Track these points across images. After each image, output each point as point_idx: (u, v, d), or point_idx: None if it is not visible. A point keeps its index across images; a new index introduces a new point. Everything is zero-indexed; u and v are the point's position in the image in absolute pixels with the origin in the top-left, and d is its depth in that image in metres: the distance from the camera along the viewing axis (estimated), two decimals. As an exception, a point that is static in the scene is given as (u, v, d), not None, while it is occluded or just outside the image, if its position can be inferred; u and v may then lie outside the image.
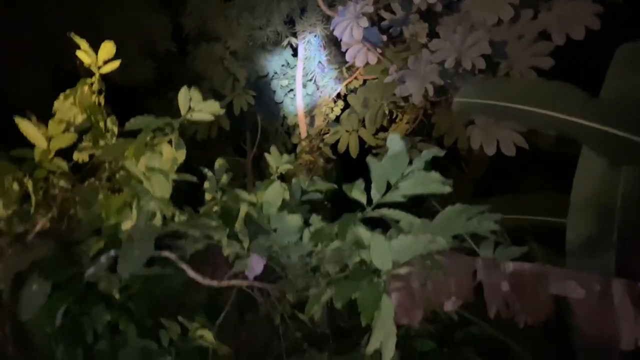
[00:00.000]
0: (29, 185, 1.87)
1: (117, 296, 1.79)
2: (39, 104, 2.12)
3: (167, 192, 1.62)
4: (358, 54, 4.35)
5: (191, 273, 1.71)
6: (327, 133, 5.28)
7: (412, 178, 1.42)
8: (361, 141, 4.76)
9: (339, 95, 5.59)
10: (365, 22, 3.98)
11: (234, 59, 5.67)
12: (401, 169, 1.39)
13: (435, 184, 1.43)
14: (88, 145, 2.06)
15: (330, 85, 5.78)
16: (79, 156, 2.09)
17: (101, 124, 2.12)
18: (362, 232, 1.48)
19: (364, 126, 4.59)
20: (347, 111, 4.86)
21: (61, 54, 3.88)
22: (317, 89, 5.84)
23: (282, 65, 6.04)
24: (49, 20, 4.23)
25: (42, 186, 2.02)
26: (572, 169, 2.54)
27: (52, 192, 2.08)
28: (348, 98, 4.74)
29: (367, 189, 1.50)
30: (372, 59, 4.37)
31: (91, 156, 2.20)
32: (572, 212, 2.53)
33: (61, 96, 2.08)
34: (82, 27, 2.30)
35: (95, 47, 2.14)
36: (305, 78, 5.85)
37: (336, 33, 4.03)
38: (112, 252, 1.81)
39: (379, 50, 4.39)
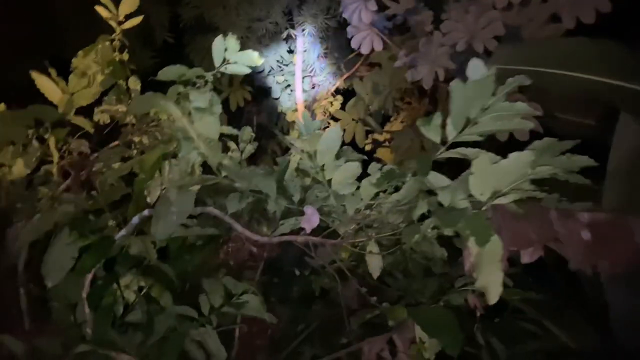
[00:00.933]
0: (51, 141, 1.69)
1: (151, 260, 1.61)
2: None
3: (216, 133, 1.45)
4: (364, 41, 4.25)
5: (239, 228, 1.54)
6: (328, 127, 5.15)
7: (493, 111, 1.29)
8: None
9: (337, 90, 5.48)
10: (374, 5, 3.89)
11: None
12: (485, 99, 1.26)
13: (518, 119, 1.31)
14: (112, 103, 1.89)
15: (329, 79, 5.67)
16: (100, 117, 1.93)
17: (123, 83, 1.96)
18: (434, 176, 1.36)
19: (369, 115, 4.48)
20: (353, 99, 4.73)
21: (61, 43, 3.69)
22: (316, 84, 5.73)
23: (278, 61, 5.92)
24: (47, 8, 4.05)
25: (61, 148, 1.85)
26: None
27: (71, 158, 1.92)
28: (354, 83, 4.61)
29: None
30: (378, 45, 4.27)
31: (111, 123, 2.04)
32: (609, 181, 2.43)
33: (80, 53, 1.92)
34: (79, 16, 2.15)
35: (92, 40, 1.97)
36: (304, 72, 5.73)
37: (345, 15, 3.93)
38: (146, 212, 1.64)
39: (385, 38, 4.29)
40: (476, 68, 1.26)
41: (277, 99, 5.97)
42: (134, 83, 1.97)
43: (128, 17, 1.97)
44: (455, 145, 1.36)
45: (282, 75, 5.96)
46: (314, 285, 2.10)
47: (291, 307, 2.33)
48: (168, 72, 1.67)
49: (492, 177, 1.11)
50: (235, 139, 2.01)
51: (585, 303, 2.48)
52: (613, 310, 2.27)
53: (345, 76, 5.40)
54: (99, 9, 1.95)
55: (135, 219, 1.63)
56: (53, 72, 1.78)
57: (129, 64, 1.97)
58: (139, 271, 1.66)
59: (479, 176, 1.12)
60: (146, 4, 5.17)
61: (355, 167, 1.51)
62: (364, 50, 4.38)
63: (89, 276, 1.59)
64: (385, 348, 1.94)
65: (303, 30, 5.34)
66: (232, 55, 1.76)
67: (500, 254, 1.10)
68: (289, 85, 5.91)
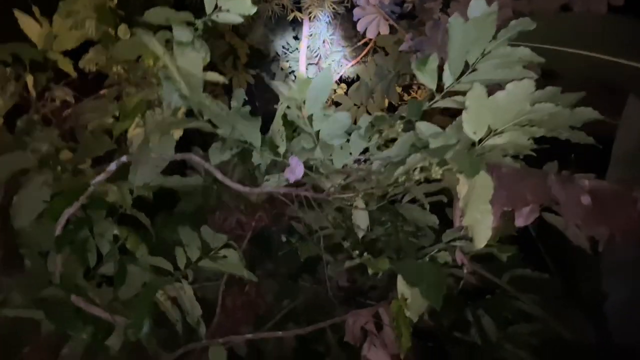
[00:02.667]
0: (29, 80, 1.62)
1: (127, 208, 1.53)
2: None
3: (198, 69, 1.37)
4: (370, 24, 4.18)
5: (220, 176, 1.46)
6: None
7: (494, 57, 1.21)
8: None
9: (341, 78, 5.40)
10: (381, -14, 3.82)
11: (234, 34, 5.45)
12: (485, 41, 1.18)
13: (520, 67, 1.22)
14: (99, 51, 1.81)
15: (333, 67, 5.59)
16: (86, 64, 1.85)
17: (111, 31, 1.88)
18: (425, 125, 1.27)
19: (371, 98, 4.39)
20: (355, 84, 4.65)
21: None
22: (320, 71, 5.64)
23: (284, 47, 5.85)
24: None
25: (42, 93, 1.77)
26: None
27: (53, 106, 1.84)
28: (357, 69, 4.53)
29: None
30: (384, 29, 4.19)
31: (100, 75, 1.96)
32: (614, 165, 2.34)
33: (68, -3, 1.84)
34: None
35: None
36: (309, 59, 5.65)
37: (352, -5, 3.85)
38: (124, 158, 1.56)
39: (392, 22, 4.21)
40: (477, 6, 1.17)
41: (279, 85, 5.87)
42: (124, 32, 1.89)
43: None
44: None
45: (287, 61, 5.89)
46: (300, 253, 2.02)
47: (276, 277, 2.25)
48: (155, 14, 1.58)
49: (487, 112, 1.03)
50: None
51: (580, 293, 2.39)
52: (610, 301, 2.18)
53: (350, 65, 5.32)
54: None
55: (112, 165, 1.55)
56: (36, 10, 1.70)
57: (119, 12, 1.89)
58: (114, 220, 1.58)
59: (473, 111, 1.03)
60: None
61: (345, 118, 1.43)
62: (370, 34, 4.31)
63: (62, 222, 1.51)
64: (370, 321, 1.86)
65: (310, 13, 5.26)
66: (224, 1, 1.68)
67: (490, 193, 1.02)
68: (292, 72, 5.83)
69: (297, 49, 5.65)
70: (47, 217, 1.47)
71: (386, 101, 4.41)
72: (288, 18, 5.23)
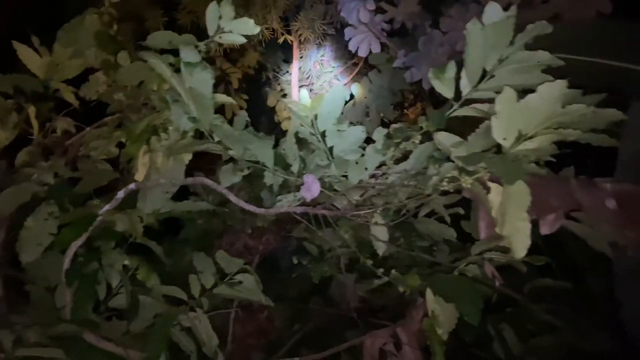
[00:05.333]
0: (30, 111, 1.57)
1: (137, 236, 1.48)
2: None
3: (208, 89, 1.33)
4: (362, 43, 4.19)
5: (233, 198, 1.41)
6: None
7: (512, 62, 1.18)
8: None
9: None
10: (372, 5, 3.84)
11: (225, 60, 5.45)
12: (504, 46, 1.16)
13: (539, 72, 1.20)
14: (99, 79, 1.77)
15: (325, 88, 5.59)
16: (87, 92, 1.81)
17: (111, 58, 1.84)
18: (445, 136, 1.24)
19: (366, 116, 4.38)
20: (350, 102, 4.64)
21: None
22: (311, 91, 5.64)
23: (275, 70, 5.86)
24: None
25: (43, 124, 1.73)
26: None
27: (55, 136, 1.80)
28: (351, 87, 4.53)
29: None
30: (376, 47, 4.21)
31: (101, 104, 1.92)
32: (620, 172, 2.32)
33: (66, 25, 1.81)
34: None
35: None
36: (301, 81, 5.65)
37: (343, 14, 3.87)
38: (133, 186, 1.51)
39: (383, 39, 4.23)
40: (493, 11, 1.16)
41: (273, 107, 5.88)
42: (124, 58, 1.85)
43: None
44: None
45: (279, 84, 5.89)
46: (312, 274, 1.96)
47: (286, 300, 2.20)
48: (157, 38, 1.55)
49: (518, 116, 1.00)
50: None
51: (594, 302, 2.35)
52: (624, 308, 2.14)
53: (343, 84, 5.33)
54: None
55: (120, 193, 1.50)
56: (36, 40, 1.67)
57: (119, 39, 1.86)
58: (124, 250, 1.52)
59: (503, 115, 1.00)
60: (142, 9, 5.11)
61: (359, 132, 1.40)
62: (362, 53, 4.32)
63: (70, 254, 1.46)
64: (389, 342, 1.80)
65: (300, 36, 5.28)
66: (226, 23, 1.66)
67: (527, 200, 0.98)
68: (285, 95, 5.83)
69: (288, 71, 5.65)
70: (54, 251, 1.42)
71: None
72: (278, 41, 5.24)
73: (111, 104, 1.76)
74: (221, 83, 5.54)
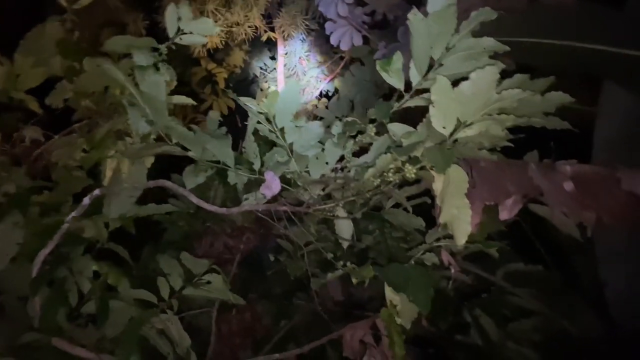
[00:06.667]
0: (-6, 122, 1.58)
1: (103, 242, 1.49)
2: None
3: (162, 92, 1.33)
4: (344, 36, 4.18)
5: (194, 199, 1.42)
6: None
7: (459, 50, 1.18)
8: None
9: (321, 93, 5.40)
10: (350, -2, 3.83)
11: (210, 60, 5.44)
12: (448, 35, 1.16)
13: (487, 57, 1.20)
14: (65, 87, 1.78)
15: (312, 83, 5.59)
16: (53, 100, 1.81)
17: (77, 65, 1.85)
18: (396, 126, 1.25)
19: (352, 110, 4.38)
20: (335, 96, 4.64)
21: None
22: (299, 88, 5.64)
23: (262, 68, 5.85)
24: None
25: (10, 135, 1.74)
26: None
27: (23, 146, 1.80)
28: (335, 82, 4.53)
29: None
30: (358, 40, 4.20)
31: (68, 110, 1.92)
32: (596, 152, 2.31)
33: (28, 34, 1.81)
34: None
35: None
36: (287, 78, 5.64)
37: (321, 8, 3.86)
38: (97, 191, 1.52)
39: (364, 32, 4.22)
40: (436, 0, 1.15)
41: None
42: (89, 64, 1.85)
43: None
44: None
45: (266, 82, 5.89)
46: (289, 271, 1.97)
47: (269, 297, 2.20)
48: (115, 42, 1.55)
49: (454, 104, 1.00)
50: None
51: (579, 284, 2.36)
52: (609, 288, 2.14)
53: (328, 79, 5.33)
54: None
55: (86, 199, 1.51)
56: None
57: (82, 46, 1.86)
58: (92, 255, 1.53)
59: (440, 104, 1.00)
60: (123, 14, 5.10)
61: (317, 127, 1.40)
62: (344, 46, 4.31)
63: (38, 262, 1.46)
64: (368, 333, 1.81)
65: (283, 32, 5.27)
66: (185, 24, 1.66)
67: (465, 186, 0.98)
68: (272, 92, 5.80)
69: (274, 68, 5.65)
70: (24, 260, 1.43)
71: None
72: (262, 39, 5.23)
73: (77, 111, 1.76)
74: (207, 83, 5.54)
